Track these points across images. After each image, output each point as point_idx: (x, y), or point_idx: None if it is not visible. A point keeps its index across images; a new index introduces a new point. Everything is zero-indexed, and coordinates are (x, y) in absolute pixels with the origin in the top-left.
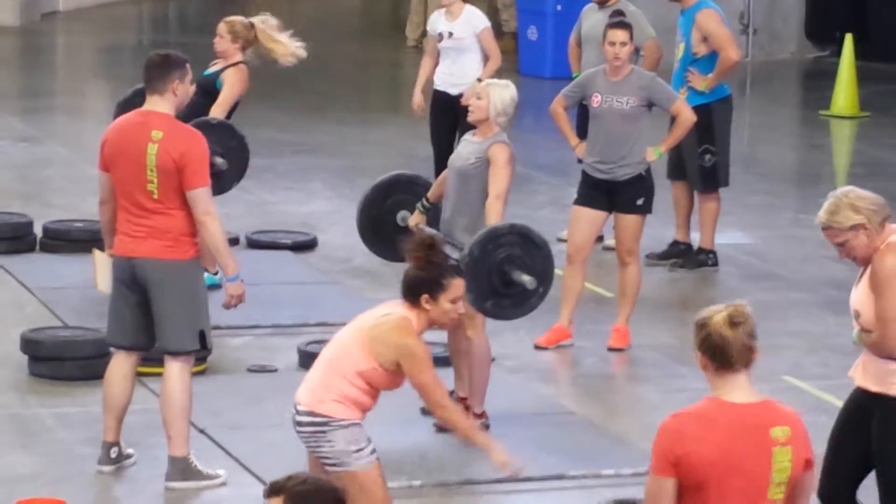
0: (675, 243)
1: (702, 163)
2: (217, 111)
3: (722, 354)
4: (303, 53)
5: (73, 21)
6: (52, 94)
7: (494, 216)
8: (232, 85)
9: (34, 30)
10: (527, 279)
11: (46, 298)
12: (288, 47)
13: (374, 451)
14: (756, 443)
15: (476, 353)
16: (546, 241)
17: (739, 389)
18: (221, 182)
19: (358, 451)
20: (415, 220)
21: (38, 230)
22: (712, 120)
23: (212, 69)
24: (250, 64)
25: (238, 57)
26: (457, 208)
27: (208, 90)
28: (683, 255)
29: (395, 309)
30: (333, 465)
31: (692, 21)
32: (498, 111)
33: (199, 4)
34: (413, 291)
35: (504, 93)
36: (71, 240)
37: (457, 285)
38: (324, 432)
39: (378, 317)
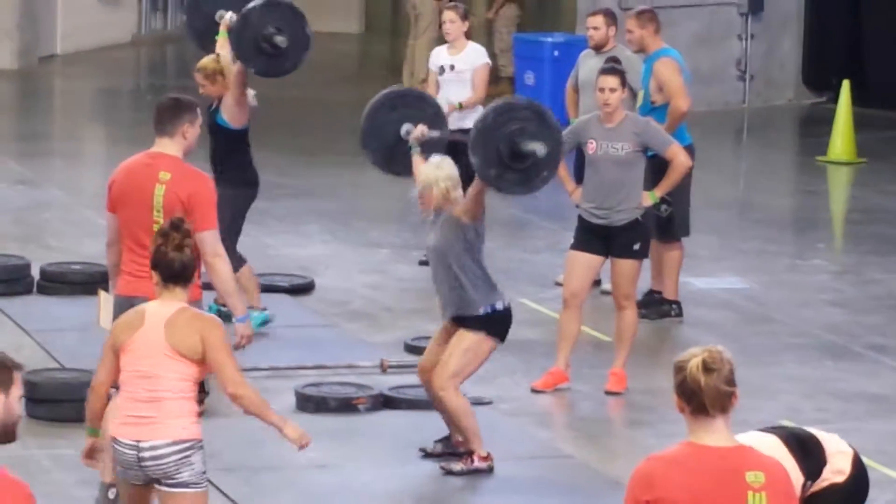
0: (650, 293)
1: (657, 213)
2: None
3: (697, 400)
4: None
5: (71, 65)
6: (50, 138)
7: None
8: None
9: (32, 73)
10: (537, 145)
11: (43, 340)
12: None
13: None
14: (729, 488)
15: (453, 409)
16: (559, 125)
17: (715, 433)
18: (279, 62)
19: (204, 472)
20: (419, 130)
21: (35, 272)
22: (663, 167)
23: (212, 107)
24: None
25: (223, 89)
26: (447, 287)
27: (213, 128)
28: (648, 306)
29: (167, 308)
30: (187, 487)
31: (651, 69)
32: (445, 195)
33: (196, 48)
34: (184, 275)
35: (433, 172)
36: (68, 282)
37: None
38: (188, 455)
39: (161, 327)
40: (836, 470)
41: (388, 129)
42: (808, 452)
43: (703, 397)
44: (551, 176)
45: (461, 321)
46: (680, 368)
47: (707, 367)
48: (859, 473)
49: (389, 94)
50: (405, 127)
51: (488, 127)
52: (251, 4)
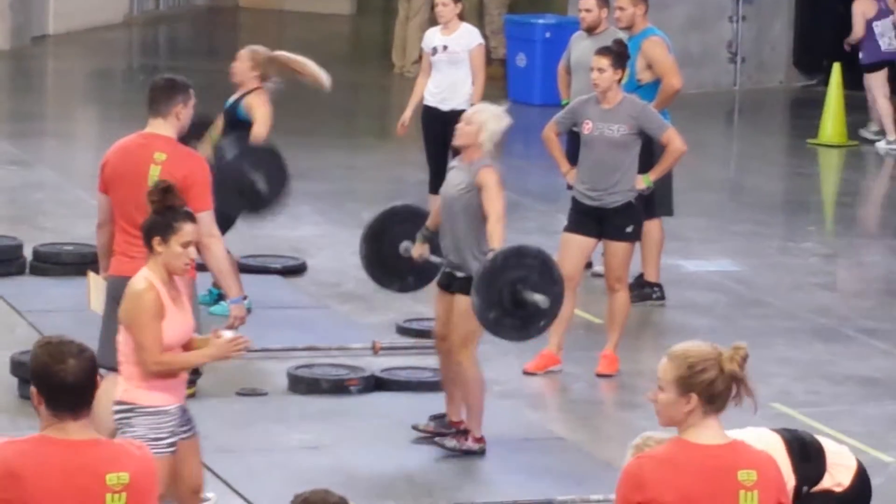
0: (640, 277)
1: (641, 192)
2: (260, 130)
3: (724, 397)
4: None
5: (64, 45)
6: (42, 118)
7: (498, 239)
8: (262, 105)
9: (24, 53)
10: (540, 298)
11: (36, 321)
12: (313, 69)
13: (171, 446)
14: (721, 487)
15: (468, 379)
16: (563, 279)
17: (710, 430)
18: (253, 204)
19: (156, 440)
20: (418, 250)
21: (28, 253)
22: (652, 149)
23: (231, 99)
24: (268, 90)
25: (255, 84)
26: (452, 236)
27: (232, 122)
28: (631, 289)
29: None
30: None
31: (638, 48)
32: (485, 138)
33: (189, 29)
34: (148, 235)
35: (493, 123)
36: (61, 263)
37: (188, 230)
38: (128, 419)
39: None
40: (836, 482)
41: (388, 251)
42: (808, 458)
43: (726, 397)
44: (548, 325)
45: (454, 280)
46: (708, 367)
47: (742, 368)
48: (859, 489)
49: (380, 217)
50: (404, 245)
51: (497, 269)
52: (228, 156)
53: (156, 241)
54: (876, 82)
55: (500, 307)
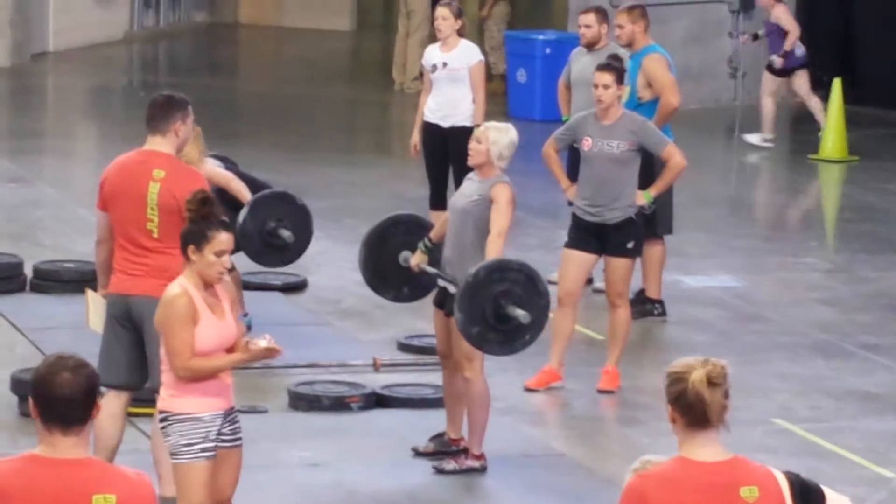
0: (640, 292)
1: (642, 210)
2: (237, 187)
3: (698, 413)
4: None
5: (64, 62)
6: (42, 135)
7: (495, 253)
8: (215, 171)
9: (24, 70)
10: (521, 313)
11: (36, 339)
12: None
13: (205, 451)
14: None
15: (474, 395)
16: (548, 291)
17: (708, 447)
18: (286, 255)
19: (187, 446)
20: (416, 259)
21: (28, 270)
22: (652, 164)
23: None
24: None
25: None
26: (458, 247)
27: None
28: (633, 305)
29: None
30: (170, 455)
31: (638, 65)
32: (497, 155)
33: (189, 45)
34: (183, 244)
35: (503, 137)
36: (61, 280)
37: (221, 239)
38: (164, 427)
39: None
40: None
41: (387, 260)
42: (808, 500)
43: (706, 412)
44: (534, 339)
45: (447, 297)
46: (678, 380)
47: (712, 382)
48: None
49: (381, 225)
50: (403, 255)
51: (478, 283)
52: (243, 212)
53: (190, 249)
54: (772, 86)
55: (483, 322)
